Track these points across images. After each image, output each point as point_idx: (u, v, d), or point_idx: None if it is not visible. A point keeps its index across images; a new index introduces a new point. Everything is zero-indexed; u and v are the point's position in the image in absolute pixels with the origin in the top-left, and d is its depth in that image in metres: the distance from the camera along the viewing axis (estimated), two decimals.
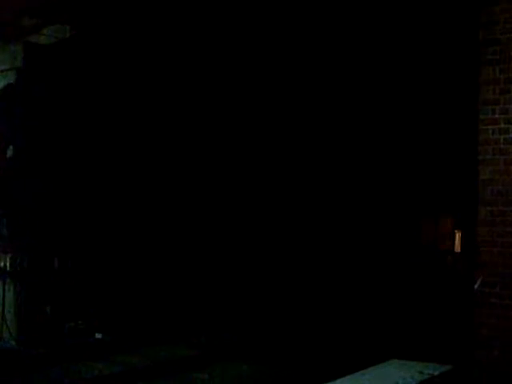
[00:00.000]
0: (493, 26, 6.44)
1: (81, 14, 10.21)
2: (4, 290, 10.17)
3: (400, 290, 17.36)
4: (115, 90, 11.31)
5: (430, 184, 20.36)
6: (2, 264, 10.15)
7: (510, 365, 6.22)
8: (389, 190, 18.44)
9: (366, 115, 16.68)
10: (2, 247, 10.26)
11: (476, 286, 6.50)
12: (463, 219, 21.80)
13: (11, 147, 10.42)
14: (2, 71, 10.45)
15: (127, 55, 11.34)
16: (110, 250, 11.12)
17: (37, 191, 10.33)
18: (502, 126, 6.38)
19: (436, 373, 5.72)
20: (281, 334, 11.70)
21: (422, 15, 12.82)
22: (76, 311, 10.53)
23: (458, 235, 22.66)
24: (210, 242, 12.84)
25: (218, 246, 12.98)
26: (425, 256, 21.01)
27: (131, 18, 10.83)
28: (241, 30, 11.96)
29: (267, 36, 12.34)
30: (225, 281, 13.08)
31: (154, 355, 10.10)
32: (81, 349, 10.18)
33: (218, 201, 13.20)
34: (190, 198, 12.59)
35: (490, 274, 6.38)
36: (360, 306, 14.75)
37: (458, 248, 22.81)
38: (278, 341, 11.24)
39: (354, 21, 12.95)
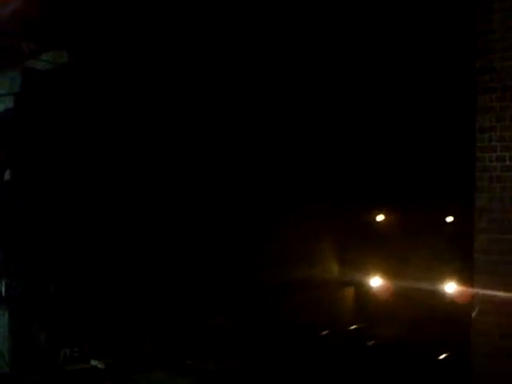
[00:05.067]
0: (489, 54, 6.50)
1: (79, 40, 10.27)
2: None
3: None
4: (114, 114, 11.34)
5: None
6: None
7: None
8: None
9: (356, 135, 16.65)
10: None
11: (473, 315, 6.47)
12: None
13: (8, 171, 10.41)
14: (0, 96, 10.47)
15: (126, 80, 11.38)
16: (107, 276, 11.07)
17: (32, 216, 10.31)
18: (499, 153, 6.40)
19: None
20: (284, 360, 11.57)
21: (420, 42, 12.93)
22: (72, 338, 10.45)
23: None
24: (206, 267, 12.77)
25: (214, 270, 12.90)
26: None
27: (130, 43, 10.91)
28: (238, 31, 12.01)
29: (266, 37, 12.37)
30: (226, 305, 12.95)
31: (150, 382, 10.01)
32: (76, 376, 10.10)
33: (213, 216, 13.06)
34: (185, 216, 12.48)
35: (488, 302, 6.36)
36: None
37: None
38: (281, 366, 11.12)
39: (353, 39, 13.06)
